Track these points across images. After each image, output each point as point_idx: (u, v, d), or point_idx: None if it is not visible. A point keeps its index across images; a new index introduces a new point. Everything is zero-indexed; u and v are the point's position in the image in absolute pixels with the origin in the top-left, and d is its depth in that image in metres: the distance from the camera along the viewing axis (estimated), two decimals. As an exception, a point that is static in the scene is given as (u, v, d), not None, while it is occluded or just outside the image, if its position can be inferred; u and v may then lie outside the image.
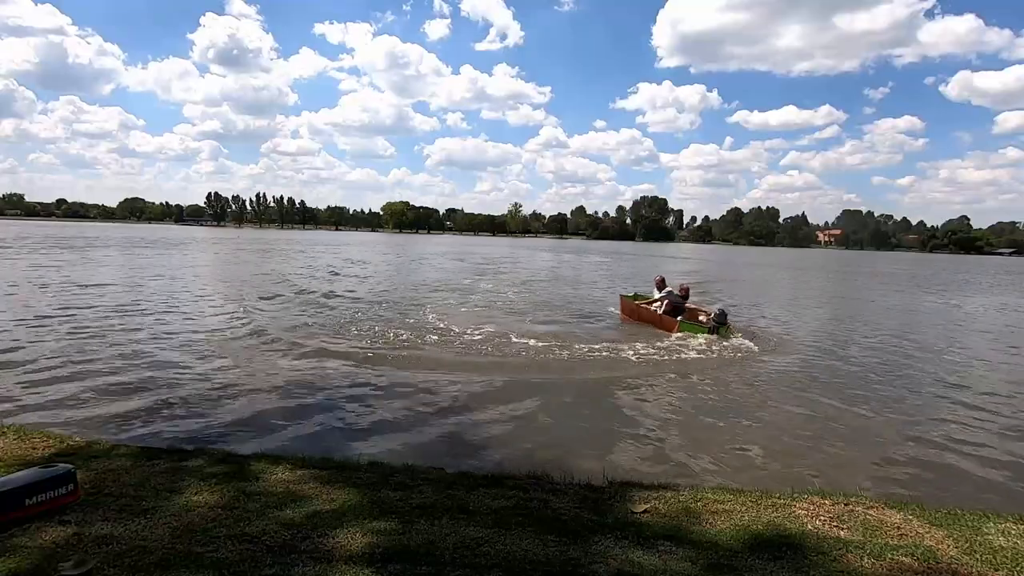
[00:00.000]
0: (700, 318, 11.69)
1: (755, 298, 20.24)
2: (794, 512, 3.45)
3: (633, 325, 12.58)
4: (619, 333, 11.71)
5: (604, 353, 9.31)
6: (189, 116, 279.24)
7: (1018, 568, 2.86)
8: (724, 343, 10.34)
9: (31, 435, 4.45)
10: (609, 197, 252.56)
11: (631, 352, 9.44)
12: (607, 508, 3.44)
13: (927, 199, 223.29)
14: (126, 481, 3.53)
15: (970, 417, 6.78)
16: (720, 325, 10.91)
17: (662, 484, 3.93)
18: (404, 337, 10.17)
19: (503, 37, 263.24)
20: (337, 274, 23.90)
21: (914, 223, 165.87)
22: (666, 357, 9.26)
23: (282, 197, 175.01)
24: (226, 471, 3.76)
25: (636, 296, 13.63)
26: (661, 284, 12.66)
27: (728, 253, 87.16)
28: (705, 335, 10.64)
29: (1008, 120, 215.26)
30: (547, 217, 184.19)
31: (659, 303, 12.23)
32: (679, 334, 10.86)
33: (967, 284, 33.66)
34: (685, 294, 12.33)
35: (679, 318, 11.51)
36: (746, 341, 10.63)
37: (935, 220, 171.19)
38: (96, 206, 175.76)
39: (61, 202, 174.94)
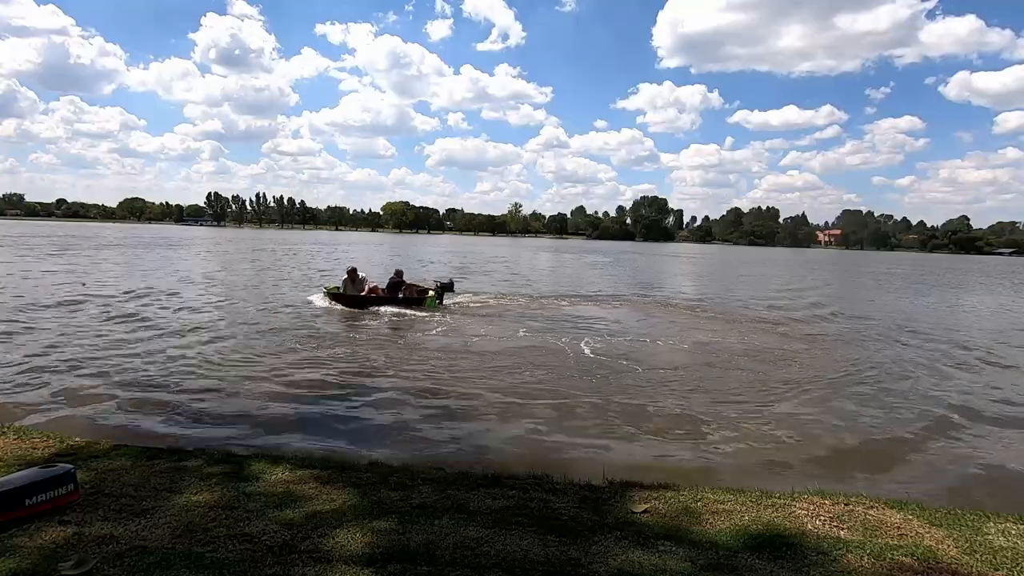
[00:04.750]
0: (429, 291, 14.24)
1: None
2: (794, 512, 3.45)
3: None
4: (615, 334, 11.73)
5: (597, 350, 9.32)
6: (190, 116, 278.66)
7: (1018, 568, 2.86)
8: (454, 305, 14.20)
9: (31, 435, 4.46)
10: (609, 197, 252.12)
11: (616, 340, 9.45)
12: (607, 508, 3.44)
13: (927, 199, 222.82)
14: (126, 481, 3.53)
15: (972, 416, 6.78)
16: (445, 291, 14.41)
17: (662, 484, 3.93)
18: (404, 337, 10.17)
19: (505, 37, 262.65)
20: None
21: (914, 223, 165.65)
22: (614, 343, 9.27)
23: (282, 197, 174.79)
24: (226, 471, 3.77)
25: (334, 288, 14.27)
26: (354, 274, 14.23)
27: (736, 253, 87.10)
28: (435, 306, 13.62)
29: (1008, 120, 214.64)
30: (547, 217, 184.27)
31: (376, 287, 14.17)
32: (427, 310, 13.23)
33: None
34: (400, 275, 14.50)
35: (400, 294, 13.96)
36: (474, 298, 15.41)
37: (935, 220, 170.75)
38: (96, 206, 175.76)
39: (61, 202, 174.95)
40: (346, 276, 14.27)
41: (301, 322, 11.48)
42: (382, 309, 13.16)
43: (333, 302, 13.52)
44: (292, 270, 25.11)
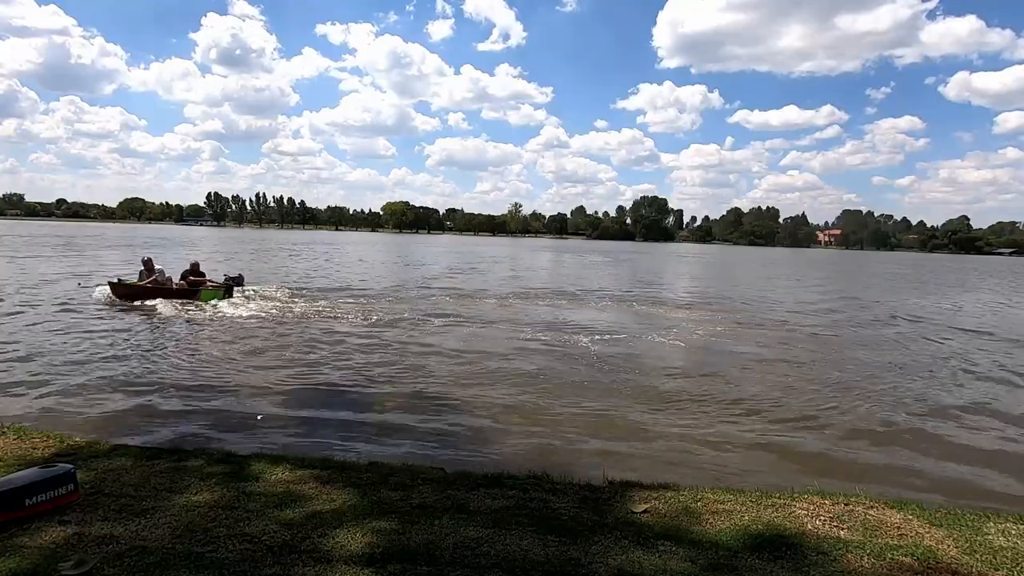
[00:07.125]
0: (214, 284, 14.07)
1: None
2: (794, 512, 3.45)
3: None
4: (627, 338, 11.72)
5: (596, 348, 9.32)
6: (190, 116, 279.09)
7: (1018, 568, 2.86)
8: (246, 302, 13.43)
9: (31, 435, 4.46)
10: (609, 197, 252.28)
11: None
12: (607, 508, 3.44)
13: (927, 199, 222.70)
14: (126, 481, 3.53)
15: (972, 416, 6.78)
16: (235, 286, 14.21)
17: (662, 484, 3.93)
18: (402, 337, 10.17)
19: (505, 37, 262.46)
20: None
21: (914, 223, 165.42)
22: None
23: (282, 197, 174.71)
24: (226, 471, 3.77)
25: (121, 281, 14.04)
26: (150, 265, 13.85)
27: (737, 253, 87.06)
28: (219, 299, 13.24)
29: (1008, 120, 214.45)
30: (547, 217, 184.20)
31: (163, 281, 13.62)
32: (211, 302, 12.98)
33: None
34: (195, 268, 14.63)
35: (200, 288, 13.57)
36: (261, 301, 13.65)
37: (935, 220, 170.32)
38: (96, 206, 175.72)
39: (61, 202, 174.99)
40: (143, 267, 13.88)
41: (321, 320, 11.49)
42: (153, 302, 12.66)
43: (113, 295, 13.26)
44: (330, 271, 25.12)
